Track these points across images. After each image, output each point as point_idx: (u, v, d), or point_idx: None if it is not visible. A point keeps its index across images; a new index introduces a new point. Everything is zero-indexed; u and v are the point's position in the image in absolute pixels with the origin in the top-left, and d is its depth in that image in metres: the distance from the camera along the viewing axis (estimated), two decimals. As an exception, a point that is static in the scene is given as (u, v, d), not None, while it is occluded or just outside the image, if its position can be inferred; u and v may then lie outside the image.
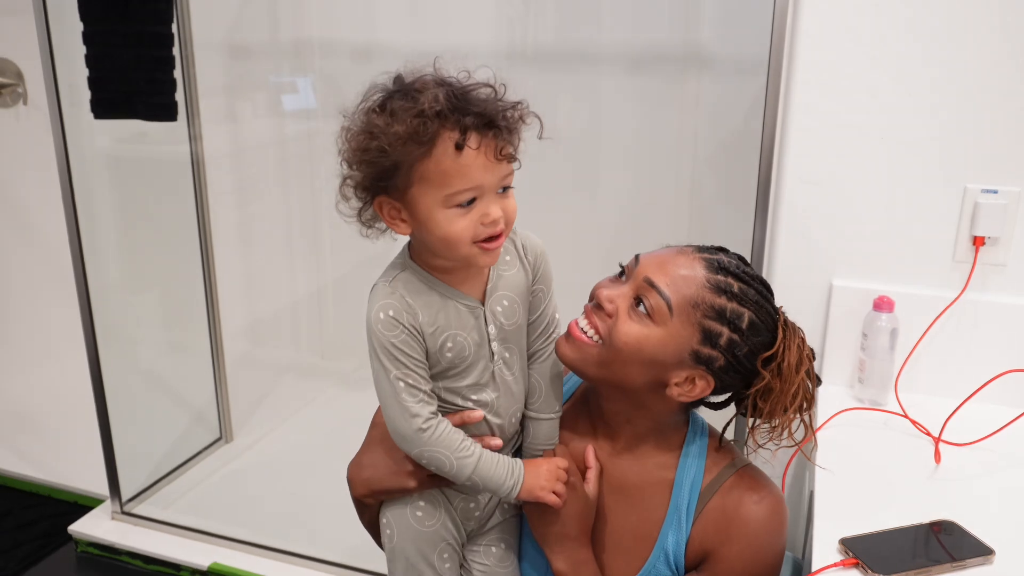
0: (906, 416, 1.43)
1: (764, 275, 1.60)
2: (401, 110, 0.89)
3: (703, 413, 1.13)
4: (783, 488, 1.36)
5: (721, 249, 1.02)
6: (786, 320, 1.00)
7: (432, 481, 1.05)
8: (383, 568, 1.15)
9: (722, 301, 0.95)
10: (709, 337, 0.95)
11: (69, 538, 2.27)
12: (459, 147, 0.89)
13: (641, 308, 0.96)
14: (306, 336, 3.22)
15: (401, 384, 0.97)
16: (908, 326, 1.51)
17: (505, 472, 1.00)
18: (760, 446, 1.03)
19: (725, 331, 0.95)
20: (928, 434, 1.37)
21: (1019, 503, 1.20)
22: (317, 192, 2.98)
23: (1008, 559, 1.05)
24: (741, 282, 0.96)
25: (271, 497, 2.40)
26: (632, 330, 0.96)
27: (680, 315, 0.94)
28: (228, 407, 2.66)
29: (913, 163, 1.48)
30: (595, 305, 0.99)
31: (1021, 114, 1.42)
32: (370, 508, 1.12)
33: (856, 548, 1.04)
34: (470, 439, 1.01)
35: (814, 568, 1.02)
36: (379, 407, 1.09)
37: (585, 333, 0.99)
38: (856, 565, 1.02)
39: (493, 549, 1.12)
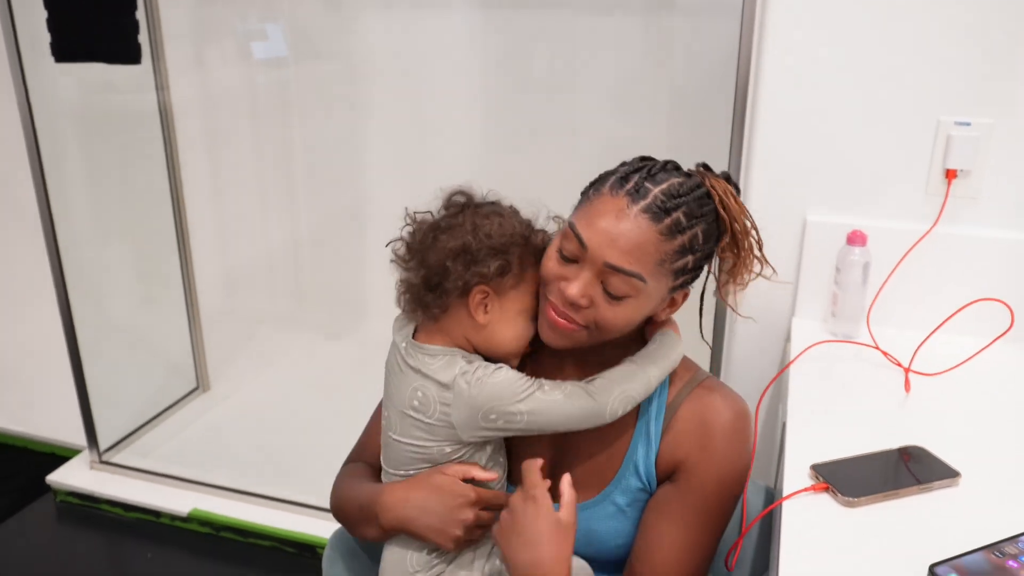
0: (877, 348, 1.45)
1: (738, 211, 1.60)
2: (510, 218, 1.03)
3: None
4: (756, 419, 1.38)
5: (647, 176, 0.95)
6: (719, 194, 0.97)
7: (462, 545, 1.04)
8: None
9: (679, 240, 0.93)
10: (680, 272, 0.96)
11: (48, 488, 2.27)
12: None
13: (615, 292, 0.94)
14: (282, 286, 3.20)
15: (557, 391, 1.00)
16: (881, 260, 1.52)
17: (668, 349, 1.04)
18: (727, 298, 1.05)
19: (690, 258, 0.96)
20: (899, 365, 1.39)
21: (985, 428, 1.22)
22: (289, 142, 2.94)
23: (973, 481, 1.07)
24: (682, 207, 0.93)
25: (250, 444, 2.41)
26: (618, 313, 0.95)
27: (653, 277, 0.93)
28: (204, 357, 2.65)
29: (886, 96, 1.48)
30: (567, 303, 0.96)
31: (994, 45, 1.41)
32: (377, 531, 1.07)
33: (826, 473, 1.06)
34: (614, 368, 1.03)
35: (785, 494, 1.04)
36: None
37: (569, 321, 0.97)
38: (826, 490, 1.04)
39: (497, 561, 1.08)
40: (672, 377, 1.07)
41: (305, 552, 2.03)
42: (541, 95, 2.50)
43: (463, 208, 1.04)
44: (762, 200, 1.59)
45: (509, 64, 2.54)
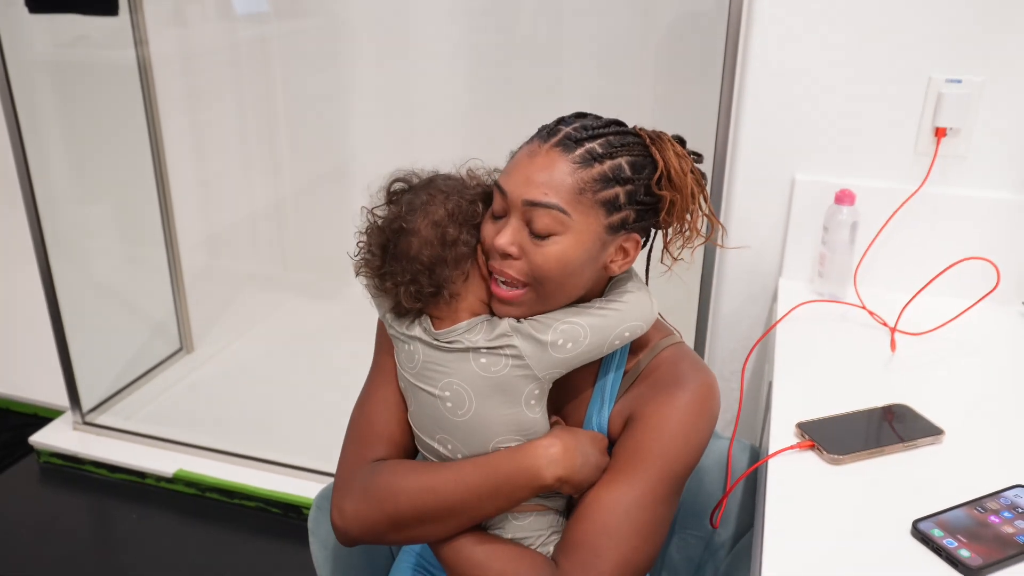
0: (864, 308, 1.45)
1: (727, 170, 1.59)
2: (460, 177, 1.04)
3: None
4: (742, 379, 1.38)
5: (560, 121, 0.97)
6: (649, 136, 0.98)
7: None
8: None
9: (598, 169, 0.92)
10: (610, 205, 0.93)
11: (31, 449, 2.25)
12: None
13: (539, 230, 0.92)
14: (266, 247, 3.18)
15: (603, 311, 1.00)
16: (869, 219, 1.51)
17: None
18: (676, 259, 1.01)
19: (619, 190, 0.93)
20: (884, 324, 1.39)
21: (968, 387, 1.23)
22: (272, 99, 2.89)
23: (956, 438, 1.08)
24: (598, 139, 0.93)
25: (235, 405, 2.40)
26: (548, 254, 0.92)
27: (576, 209, 0.92)
28: (188, 318, 2.63)
29: (877, 53, 1.46)
30: (501, 256, 0.95)
31: (987, 1, 1.39)
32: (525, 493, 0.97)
33: (812, 431, 1.07)
34: None
35: (771, 452, 1.04)
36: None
37: (511, 287, 0.95)
38: (812, 447, 1.04)
39: None
40: (634, 344, 1.02)
41: (291, 513, 2.03)
42: (527, 53, 2.47)
43: (414, 189, 1.00)
44: (750, 159, 1.58)
45: (495, 21, 2.51)
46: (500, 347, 0.96)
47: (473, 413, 0.97)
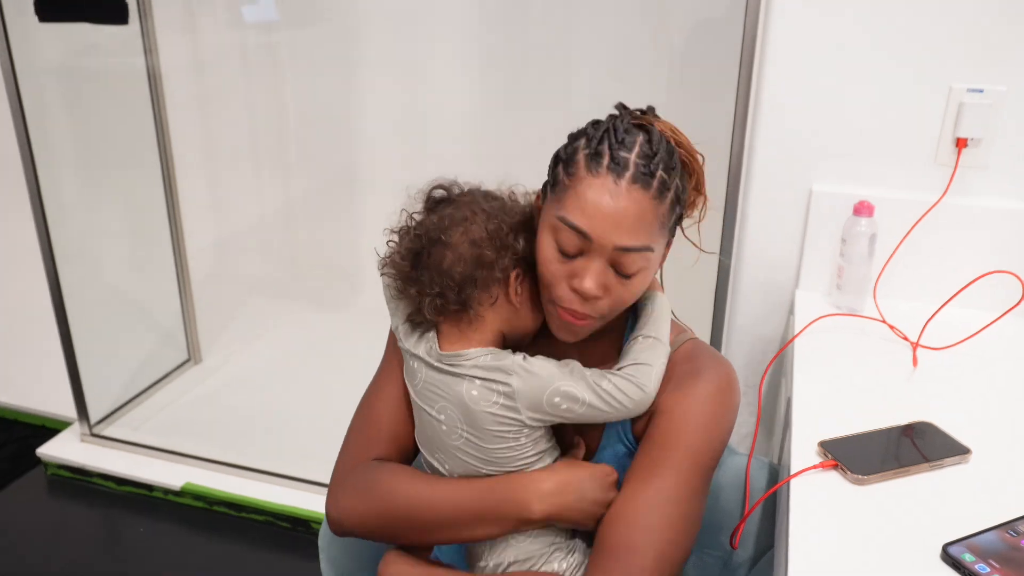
0: (884, 321, 1.42)
1: (744, 180, 1.57)
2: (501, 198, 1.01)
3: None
4: (760, 394, 1.36)
5: (617, 144, 0.90)
6: (663, 130, 0.95)
7: None
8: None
9: (668, 197, 0.91)
10: (673, 225, 0.96)
11: (38, 461, 2.24)
12: None
13: (630, 271, 0.92)
14: (274, 255, 3.16)
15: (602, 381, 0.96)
16: (888, 231, 1.48)
17: (664, 310, 1.04)
18: (700, 248, 1.04)
19: (679, 209, 0.95)
20: (906, 339, 1.36)
21: (994, 403, 1.20)
22: (281, 106, 2.88)
23: (984, 457, 1.05)
24: (660, 165, 0.90)
25: (243, 417, 2.39)
26: (633, 290, 0.93)
27: (657, 243, 0.92)
28: (196, 328, 2.62)
29: (897, 62, 1.44)
30: (584, 299, 0.93)
31: (1008, 9, 1.37)
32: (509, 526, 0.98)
33: (835, 450, 1.04)
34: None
35: (792, 471, 1.01)
36: None
37: (586, 318, 0.94)
38: (835, 467, 1.02)
39: None
40: None
41: (299, 527, 2.01)
42: (539, 59, 2.45)
43: (456, 203, 0.98)
44: (767, 169, 1.55)
45: (506, 28, 2.49)
46: (494, 380, 0.95)
47: (464, 441, 0.97)
